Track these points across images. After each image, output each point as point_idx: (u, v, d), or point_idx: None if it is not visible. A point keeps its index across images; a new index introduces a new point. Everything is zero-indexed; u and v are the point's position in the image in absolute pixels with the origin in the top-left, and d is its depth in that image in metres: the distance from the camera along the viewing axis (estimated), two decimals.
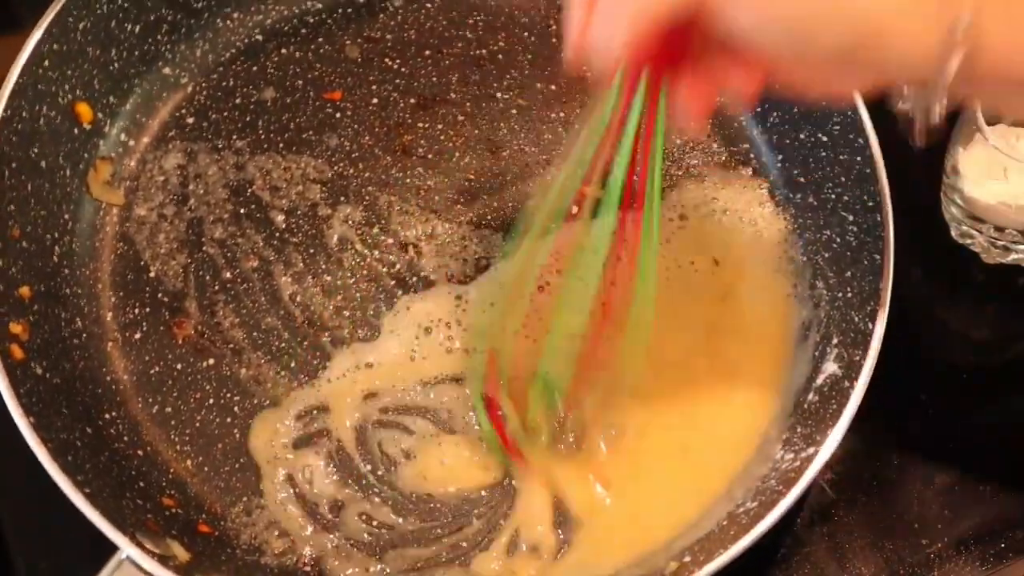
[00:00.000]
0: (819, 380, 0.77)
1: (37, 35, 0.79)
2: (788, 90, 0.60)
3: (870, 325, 0.74)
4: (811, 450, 0.72)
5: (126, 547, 0.67)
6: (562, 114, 0.90)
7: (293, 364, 0.81)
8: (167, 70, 0.89)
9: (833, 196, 0.82)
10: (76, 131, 0.84)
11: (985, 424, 0.85)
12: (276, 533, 0.76)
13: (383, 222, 0.85)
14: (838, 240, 0.81)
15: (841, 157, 0.82)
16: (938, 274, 0.78)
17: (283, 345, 0.81)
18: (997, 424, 0.85)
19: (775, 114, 0.88)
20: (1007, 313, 0.88)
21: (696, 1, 0.55)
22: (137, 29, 0.86)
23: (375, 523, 0.77)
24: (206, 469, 0.78)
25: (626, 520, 0.76)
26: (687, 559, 0.70)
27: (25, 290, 0.77)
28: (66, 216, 0.83)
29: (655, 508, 0.77)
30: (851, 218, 0.80)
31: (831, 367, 0.77)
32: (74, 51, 0.82)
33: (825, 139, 0.84)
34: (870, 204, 0.79)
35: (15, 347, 0.73)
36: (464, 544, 0.76)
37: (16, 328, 0.74)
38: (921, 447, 0.82)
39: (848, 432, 0.71)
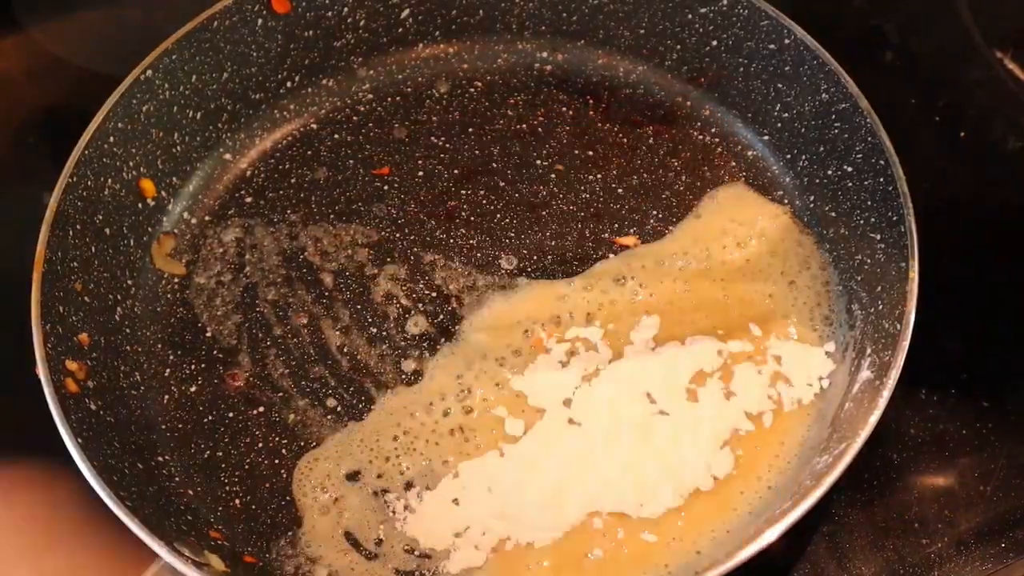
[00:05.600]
0: (855, 390, 0.77)
1: (104, 111, 0.86)
2: None
3: (898, 326, 0.75)
4: (843, 445, 0.71)
5: (165, 555, 0.68)
6: (599, 175, 0.93)
7: (339, 408, 0.83)
8: (227, 156, 0.95)
9: (861, 221, 0.84)
10: (140, 205, 0.90)
11: (985, 424, 0.83)
12: (319, 564, 0.77)
13: (427, 278, 0.89)
14: (868, 261, 0.82)
15: (866, 183, 0.83)
16: (936, 275, 0.78)
17: (329, 391, 0.84)
18: (997, 424, 0.83)
19: (803, 158, 0.90)
20: (1006, 312, 0.86)
21: None
22: (199, 116, 0.93)
23: (416, 552, 0.77)
24: (253, 507, 0.80)
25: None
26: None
27: (84, 337, 0.81)
28: (129, 281, 0.88)
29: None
30: (878, 237, 0.81)
31: (865, 374, 0.76)
32: (138, 131, 0.89)
33: (851, 170, 0.85)
34: (894, 219, 0.80)
35: (69, 381, 0.77)
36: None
37: (72, 366, 0.78)
38: (921, 447, 0.81)
39: None
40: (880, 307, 0.79)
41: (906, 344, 0.74)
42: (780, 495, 0.76)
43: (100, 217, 0.86)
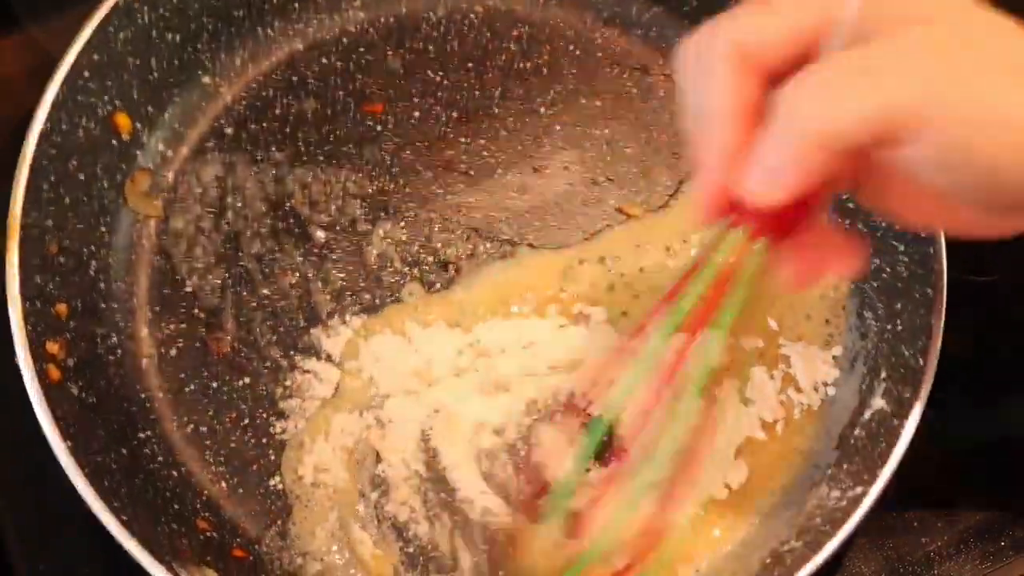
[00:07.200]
0: (866, 415, 0.76)
1: (78, 46, 0.77)
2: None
3: (920, 361, 0.73)
4: (859, 490, 0.70)
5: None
6: (606, 131, 0.88)
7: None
8: (206, 79, 0.88)
9: (883, 224, 0.80)
10: (114, 143, 0.82)
11: (985, 421, 0.83)
12: (311, 558, 0.75)
13: (423, 240, 0.84)
14: (888, 270, 0.80)
15: None
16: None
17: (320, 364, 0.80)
18: (997, 422, 0.83)
19: None
20: (1007, 311, 0.86)
21: (907, 108, 0.46)
22: (177, 39, 0.85)
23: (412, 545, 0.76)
24: (240, 491, 0.77)
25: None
26: None
27: (62, 307, 0.76)
28: (103, 229, 0.82)
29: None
30: (902, 247, 0.79)
31: (879, 402, 0.75)
32: (114, 61, 0.81)
33: None
34: (922, 234, 0.77)
35: (52, 367, 0.72)
36: None
37: (53, 347, 0.73)
38: (921, 444, 0.81)
39: None
40: (898, 327, 0.77)
41: (930, 381, 0.72)
42: (786, 507, 0.76)
43: (74, 162, 0.79)
